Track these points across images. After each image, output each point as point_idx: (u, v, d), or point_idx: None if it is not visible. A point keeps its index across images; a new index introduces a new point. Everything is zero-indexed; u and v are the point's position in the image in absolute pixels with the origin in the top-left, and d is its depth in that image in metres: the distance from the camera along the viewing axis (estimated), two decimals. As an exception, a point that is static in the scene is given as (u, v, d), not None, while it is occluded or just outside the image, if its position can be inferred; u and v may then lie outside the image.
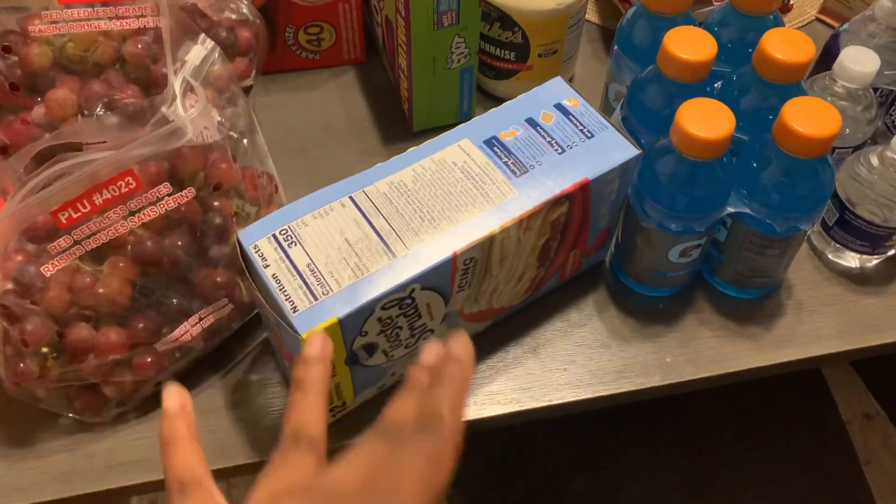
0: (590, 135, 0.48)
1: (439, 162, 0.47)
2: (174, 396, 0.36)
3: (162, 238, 0.47)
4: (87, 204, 0.42)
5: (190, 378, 0.50)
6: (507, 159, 0.47)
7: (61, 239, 0.43)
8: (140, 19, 0.55)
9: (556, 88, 0.51)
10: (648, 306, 0.55)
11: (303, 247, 0.43)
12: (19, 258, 0.45)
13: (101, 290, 0.44)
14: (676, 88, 0.50)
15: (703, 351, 0.53)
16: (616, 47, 0.58)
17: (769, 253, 0.52)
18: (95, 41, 0.53)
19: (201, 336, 0.48)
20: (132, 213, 0.44)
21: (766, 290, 0.56)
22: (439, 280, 0.44)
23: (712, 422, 0.79)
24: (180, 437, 0.35)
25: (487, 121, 0.49)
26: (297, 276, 0.42)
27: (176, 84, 0.44)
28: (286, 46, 0.67)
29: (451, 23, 0.57)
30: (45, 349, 0.45)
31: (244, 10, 0.59)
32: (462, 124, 0.49)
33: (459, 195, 0.45)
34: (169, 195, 0.44)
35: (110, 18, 0.54)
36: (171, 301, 0.48)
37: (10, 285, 0.45)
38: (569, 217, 0.48)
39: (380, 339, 0.44)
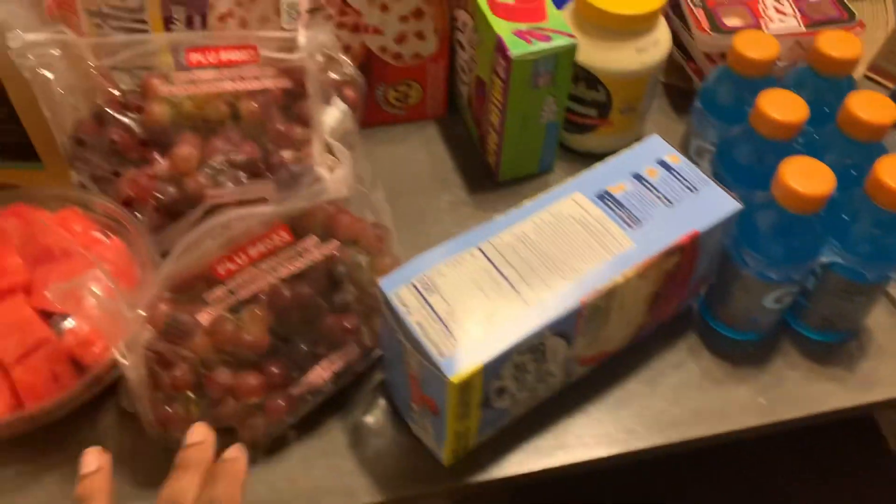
0: (694, 189, 0.52)
1: (556, 214, 0.50)
2: (94, 459, 0.39)
3: (295, 287, 0.50)
4: (243, 257, 0.45)
5: (313, 420, 0.53)
6: (619, 212, 0.50)
7: (218, 289, 0.45)
8: (258, 81, 0.58)
9: (656, 146, 0.55)
10: (738, 349, 0.58)
11: (441, 295, 0.46)
12: (164, 307, 0.47)
13: (247, 337, 0.47)
14: (768, 146, 0.54)
15: (794, 391, 0.56)
16: (699, 105, 0.62)
17: (857, 300, 0.55)
18: (212, 100, 0.57)
19: (331, 379, 0.50)
20: (280, 265, 0.47)
21: (847, 334, 0.59)
22: (567, 327, 0.47)
23: (774, 461, 0.81)
24: (95, 495, 0.38)
25: (595, 176, 0.53)
26: (440, 322, 0.45)
27: (317, 143, 0.47)
28: (375, 103, 0.71)
29: (545, 84, 0.61)
30: (189, 393, 0.48)
31: (348, 71, 0.62)
32: (570, 180, 0.53)
33: (580, 246, 0.49)
34: (316, 247, 0.47)
35: (233, 80, 0.57)
36: (300, 346, 0.50)
37: (152, 332, 0.47)
38: (678, 267, 0.51)
39: (510, 383, 0.47)
